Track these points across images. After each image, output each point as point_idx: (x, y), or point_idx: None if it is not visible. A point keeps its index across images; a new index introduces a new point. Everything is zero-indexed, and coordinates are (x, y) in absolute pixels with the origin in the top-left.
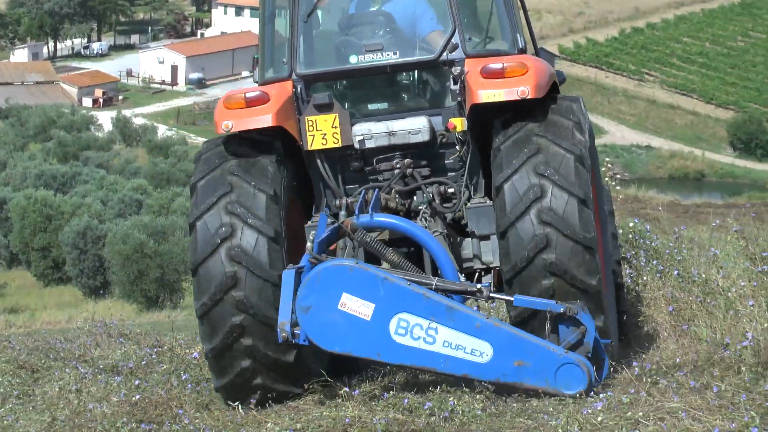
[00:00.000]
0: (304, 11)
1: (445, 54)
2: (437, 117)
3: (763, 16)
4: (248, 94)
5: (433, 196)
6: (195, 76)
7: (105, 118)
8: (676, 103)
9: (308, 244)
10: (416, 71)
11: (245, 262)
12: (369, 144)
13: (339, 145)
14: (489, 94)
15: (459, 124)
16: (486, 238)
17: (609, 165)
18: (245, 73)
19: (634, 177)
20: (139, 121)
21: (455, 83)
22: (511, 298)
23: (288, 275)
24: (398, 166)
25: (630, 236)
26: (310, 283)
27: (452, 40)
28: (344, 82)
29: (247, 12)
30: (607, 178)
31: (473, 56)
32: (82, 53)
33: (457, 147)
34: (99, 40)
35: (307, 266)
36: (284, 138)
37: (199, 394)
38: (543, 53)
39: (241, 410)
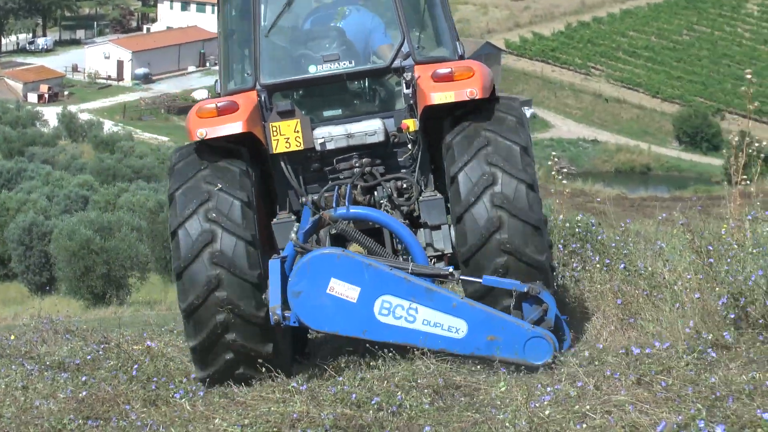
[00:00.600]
0: (265, 27)
1: (396, 61)
2: (390, 119)
3: (708, 10)
4: (219, 104)
5: (391, 191)
6: (141, 71)
7: (50, 114)
8: (623, 97)
9: (292, 235)
10: (369, 78)
11: (226, 264)
12: (329, 146)
13: (301, 147)
14: (441, 96)
15: (411, 124)
16: (437, 228)
17: (556, 159)
18: (191, 68)
19: (581, 171)
20: (84, 117)
21: (408, 87)
22: (480, 280)
23: (274, 264)
24: (357, 165)
25: (577, 230)
26: (301, 270)
27: (402, 48)
28: (304, 90)
29: (193, 7)
30: (554, 172)
31: (421, 62)
32: (27, 48)
33: (409, 146)
34: (44, 35)
35: (291, 254)
36: (248, 144)
37: (146, 390)
38: (488, 46)
39: (188, 406)
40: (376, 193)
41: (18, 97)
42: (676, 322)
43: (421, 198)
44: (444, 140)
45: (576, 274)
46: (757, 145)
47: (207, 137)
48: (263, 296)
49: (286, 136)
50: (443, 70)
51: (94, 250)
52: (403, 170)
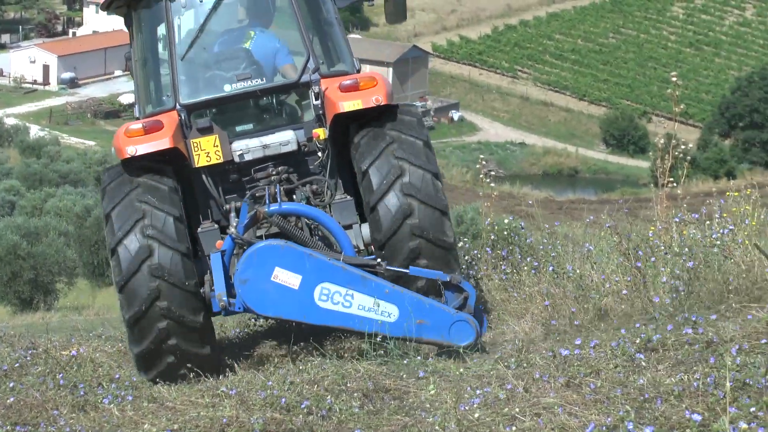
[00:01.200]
0: (180, 52)
1: (304, 77)
2: (300, 130)
3: (634, 14)
4: (145, 124)
5: (308, 193)
6: (67, 75)
7: None
8: (550, 100)
9: (231, 229)
10: (280, 94)
11: (165, 276)
12: (247, 157)
13: (221, 160)
14: (350, 104)
15: (321, 133)
16: (349, 227)
17: (483, 162)
18: (118, 72)
19: (509, 173)
20: (10, 122)
21: (317, 99)
22: (407, 270)
23: (216, 257)
24: (274, 173)
25: (505, 233)
26: (248, 259)
27: (308, 64)
28: (220, 107)
29: None
30: (481, 175)
31: (326, 76)
32: None
33: (319, 153)
34: None
35: (230, 247)
36: (171, 160)
37: (75, 395)
38: (415, 50)
39: (117, 411)
40: (294, 196)
41: None
42: (602, 324)
43: (333, 200)
44: (352, 142)
45: (504, 277)
46: (683, 147)
47: (137, 154)
48: (201, 290)
49: (206, 150)
50: (349, 81)
51: (21, 255)
52: (314, 176)
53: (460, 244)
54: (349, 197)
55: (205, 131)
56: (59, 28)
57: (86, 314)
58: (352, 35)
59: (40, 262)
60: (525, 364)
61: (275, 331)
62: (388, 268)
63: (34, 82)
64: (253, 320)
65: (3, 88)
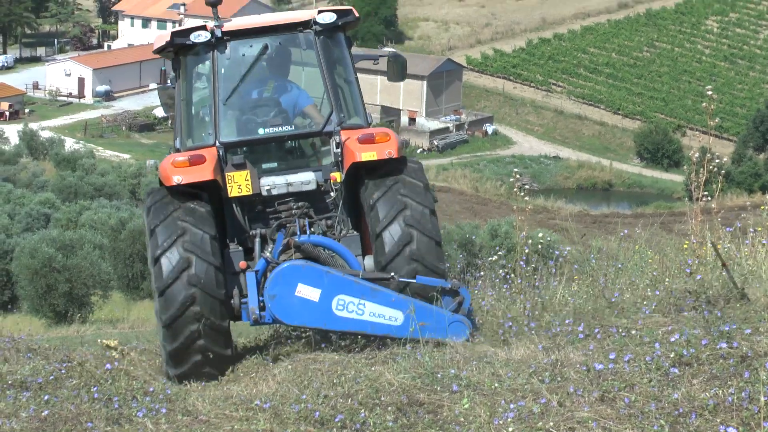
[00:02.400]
0: (222, 97)
1: (327, 126)
2: (319, 172)
3: (668, 27)
4: (190, 157)
5: (324, 228)
6: (102, 88)
7: (11, 132)
8: (584, 114)
9: (267, 254)
10: (303, 139)
11: (200, 285)
12: (273, 192)
13: (250, 193)
14: (366, 154)
15: (338, 177)
16: (357, 256)
17: (517, 176)
18: (152, 86)
19: (543, 187)
20: (46, 135)
21: (337, 147)
22: (414, 280)
23: (251, 276)
24: (295, 207)
25: (539, 247)
26: (275, 278)
27: (331, 117)
28: (253, 147)
29: (153, 24)
30: (515, 189)
31: (345, 128)
32: None
33: (332, 194)
34: (4, 52)
35: (262, 269)
36: (207, 188)
37: (109, 408)
38: (449, 63)
39: (150, 425)
40: (312, 229)
41: None
42: (640, 337)
43: (342, 235)
44: (363, 186)
45: (539, 291)
46: (717, 161)
47: (182, 182)
48: (231, 302)
49: (239, 183)
50: (366, 134)
51: (56, 268)
52: (327, 213)
53: (495, 257)
54: (356, 233)
55: (239, 167)
56: (94, 41)
57: (120, 327)
58: (386, 48)
59: (74, 274)
60: (559, 378)
61: (310, 344)
62: (400, 279)
63: (70, 95)
64: (287, 332)
65: (38, 101)
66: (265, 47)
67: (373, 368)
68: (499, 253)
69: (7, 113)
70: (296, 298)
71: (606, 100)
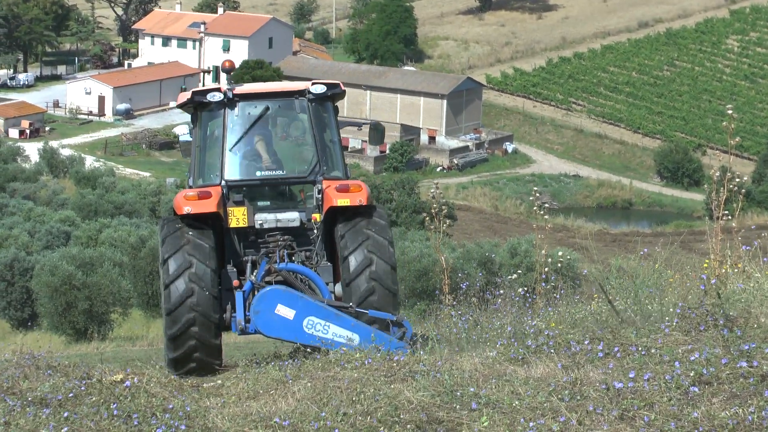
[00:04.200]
0: (229, 145)
1: (311, 176)
2: (303, 212)
3: (689, 46)
4: (199, 193)
5: (303, 258)
6: (122, 106)
7: (32, 150)
8: (604, 133)
9: (252, 277)
10: (292, 184)
11: (197, 282)
12: (264, 226)
13: (246, 225)
14: (342, 200)
15: (318, 217)
16: (326, 284)
17: (537, 194)
18: (172, 104)
19: (563, 206)
20: (66, 153)
21: (318, 193)
22: (367, 311)
23: (239, 294)
24: (281, 240)
25: (559, 265)
26: (260, 297)
27: (316, 168)
28: (250, 187)
29: (174, 42)
30: (535, 207)
31: (326, 178)
32: (8, 84)
33: (315, 230)
34: (25, 71)
35: (248, 288)
36: (211, 219)
37: (129, 425)
38: (469, 82)
39: None
40: (294, 258)
41: None
42: (660, 356)
43: (318, 265)
44: (337, 230)
45: (560, 310)
46: (737, 180)
47: (191, 212)
48: (224, 315)
49: (237, 217)
50: (342, 185)
51: (76, 285)
52: (307, 246)
53: (514, 276)
54: (329, 264)
55: (239, 203)
56: (115, 59)
57: (140, 344)
58: (406, 67)
59: (94, 292)
60: (578, 397)
61: (329, 362)
62: (357, 309)
63: (90, 113)
64: (309, 350)
65: (59, 119)
66: (267, 108)
67: (392, 386)
68: (519, 271)
69: (27, 131)
70: (275, 315)
71: (626, 119)
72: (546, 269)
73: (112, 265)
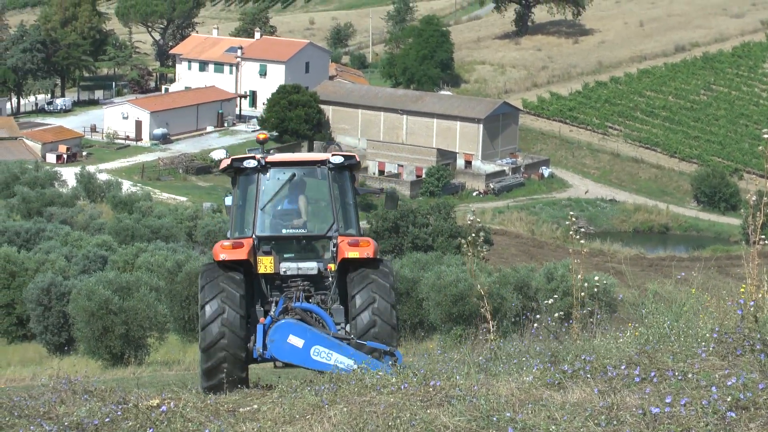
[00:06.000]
0: (261, 205)
1: (329, 233)
2: (320, 262)
3: (725, 70)
4: (233, 243)
5: (319, 300)
6: (159, 131)
7: (69, 174)
8: (640, 157)
9: (272, 312)
10: (312, 240)
11: (229, 326)
12: (288, 273)
13: (272, 272)
14: (352, 253)
15: (332, 267)
16: (339, 323)
17: (574, 219)
18: (210, 128)
19: (599, 230)
20: (103, 177)
21: (334, 247)
22: (365, 343)
23: (260, 327)
24: (301, 286)
25: (595, 290)
26: (275, 329)
27: (333, 227)
28: (277, 240)
29: (211, 67)
30: (571, 232)
31: (341, 235)
32: (46, 109)
33: (330, 278)
34: (63, 95)
35: (268, 321)
36: (244, 265)
37: None
38: (505, 106)
39: None
40: (311, 300)
41: (37, 158)
42: (696, 380)
43: (332, 306)
44: (349, 276)
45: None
46: None
47: (226, 259)
48: (249, 345)
49: (265, 264)
50: (354, 240)
51: (113, 310)
52: (323, 290)
53: (551, 300)
54: (341, 306)
55: (267, 253)
56: (152, 84)
57: (176, 369)
58: (443, 92)
59: (131, 316)
60: (615, 422)
61: (366, 386)
62: (357, 341)
63: (127, 138)
64: (341, 376)
65: (96, 143)
66: (293, 175)
67: (428, 411)
68: (555, 296)
69: (65, 156)
70: (287, 344)
71: (663, 144)
72: (582, 294)
73: (149, 290)
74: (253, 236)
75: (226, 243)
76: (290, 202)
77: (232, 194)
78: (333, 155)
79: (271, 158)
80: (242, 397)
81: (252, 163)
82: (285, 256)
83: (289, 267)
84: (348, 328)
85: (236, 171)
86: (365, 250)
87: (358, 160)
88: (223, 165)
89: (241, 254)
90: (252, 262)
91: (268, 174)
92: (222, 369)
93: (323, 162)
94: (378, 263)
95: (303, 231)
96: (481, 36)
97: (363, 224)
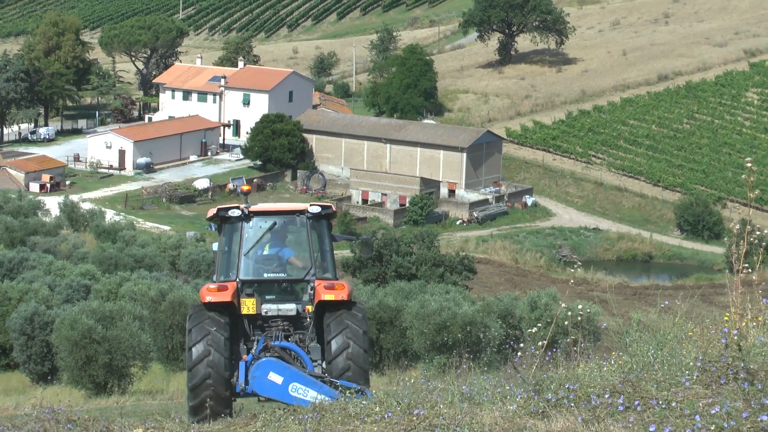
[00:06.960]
0: (244, 251)
1: (307, 276)
2: (299, 304)
3: (708, 99)
4: (218, 286)
5: (297, 339)
6: (143, 160)
7: (52, 203)
8: (624, 186)
9: (253, 350)
10: (291, 283)
11: (213, 368)
12: (269, 314)
13: (254, 313)
14: (328, 296)
15: (310, 308)
16: (315, 360)
17: (559, 247)
18: (193, 157)
19: (583, 259)
20: (86, 206)
21: (311, 290)
22: (338, 381)
23: (242, 364)
24: (281, 326)
25: (579, 318)
26: (257, 366)
27: (310, 271)
28: (259, 284)
29: (194, 96)
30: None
31: (318, 279)
32: (29, 138)
33: (307, 319)
34: (46, 125)
35: (250, 359)
36: (228, 307)
37: None
38: (489, 135)
39: None
40: (290, 338)
41: (20, 187)
42: (680, 409)
43: (309, 345)
44: (325, 319)
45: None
46: (758, 233)
47: (212, 301)
48: (231, 380)
49: (248, 306)
50: (329, 284)
51: (96, 339)
52: (302, 330)
53: (534, 329)
54: (318, 345)
55: (249, 295)
56: (135, 113)
57: (160, 398)
58: (426, 120)
59: (114, 346)
60: None
61: (350, 417)
62: (331, 380)
63: (110, 167)
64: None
65: (79, 173)
66: (274, 223)
67: None
68: (539, 324)
69: (48, 185)
70: (268, 380)
71: (646, 172)
72: (566, 322)
73: (132, 319)
74: (237, 280)
75: (212, 286)
76: (271, 248)
77: (218, 241)
78: (311, 206)
79: (254, 208)
80: (226, 426)
81: (236, 213)
82: (267, 297)
83: (270, 308)
84: (324, 365)
85: (222, 219)
86: (340, 293)
87: (334, 209)
88: (210, 214)
89: (226, 296)
90: (236, 304)
91: (251, 222)
92: (207, 406)
93: (302, 211)
94: (352, 306)
95: (283, 275)
96: (464, 65)
97: (347, 253)
